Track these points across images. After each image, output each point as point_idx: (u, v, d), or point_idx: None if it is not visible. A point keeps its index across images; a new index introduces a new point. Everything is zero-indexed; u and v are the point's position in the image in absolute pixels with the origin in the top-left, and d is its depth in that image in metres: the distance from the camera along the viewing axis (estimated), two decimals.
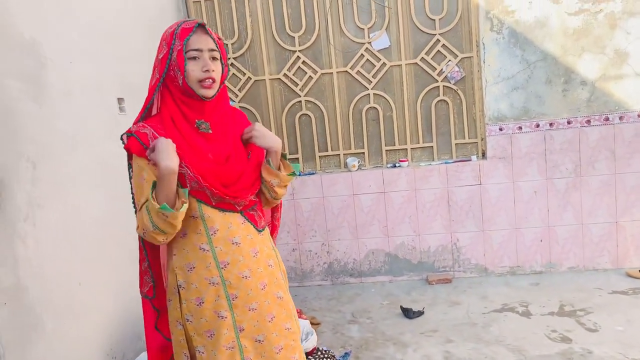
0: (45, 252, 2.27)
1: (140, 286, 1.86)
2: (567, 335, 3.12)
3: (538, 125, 3.95)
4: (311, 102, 4.21)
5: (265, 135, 1.73)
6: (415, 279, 4.25)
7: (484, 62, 3.95)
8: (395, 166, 4.16)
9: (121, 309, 2.87)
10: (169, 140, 1.56)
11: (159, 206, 1.54)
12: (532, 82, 3.93)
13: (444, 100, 4.10)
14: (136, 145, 1.64)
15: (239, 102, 4.27)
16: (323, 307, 3.91)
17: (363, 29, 4.09)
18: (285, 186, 1.82)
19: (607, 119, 3.89)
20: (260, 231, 1.78)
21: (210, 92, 1.65)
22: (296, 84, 4.20)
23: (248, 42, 4.19)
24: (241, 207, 1.73)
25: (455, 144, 4.14)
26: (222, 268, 1.69)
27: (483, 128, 4.06)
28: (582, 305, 3.50)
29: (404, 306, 3.66)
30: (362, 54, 4.11)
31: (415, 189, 4.11)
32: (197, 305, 1.70)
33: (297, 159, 4.29)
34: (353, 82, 4.17)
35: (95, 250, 2.67)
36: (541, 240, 4.09)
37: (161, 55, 1.66)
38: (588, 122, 3.91)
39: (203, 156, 1.65)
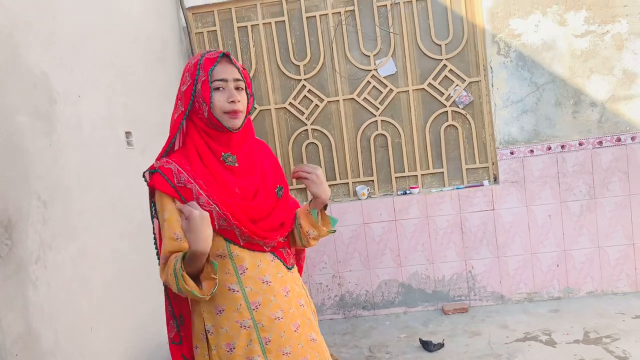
0: (57, 297, 2.14)
1: (167, 331, 1.74)
2: None
3: (549, 148, 3.90)
4: (318, 130, 4.14)
5: (322, 183, 1.68)
6: (431, 309, 4.12)
7: (492, 86, 3.91)
8: (405, 193, 4.07)
9: (134, 353, 2.72)
10: (204, 216, 1.39)
11: (189, 289, 1.43)
12: (542, 104, 3.89)
13: (453, 125, 4.04)
14: (161, 182, 1.54)
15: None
16: (338, 342, 3.76)
17: (369, 55, 4.05)
18: (309, 241, 1.75)
19: (618, 140, 3.85)
20: (289, 269, 1.69)
21: (237, 123, 1.56)
22: (302, 113, 4.13)
23: (252, 72, 4.13)
24: (269, 249, 1.63)
25: (466, 169, 4.07)
26: (254, 309, 1.58)
27: (494, 152, 4.00)
28: (607, 332, 3.39)
29: (423, 339, 3.53)
30: (368, 81, 4.06)
31: (427, 215, 4.02)
32: (228, 351, 1.58)
33: (305, 188, 4.20)
34: (360, 110, 4.11)
35: (106, 293, 2.53)
36: (558, 265, 3.99)
37: (185, 87, 1.58)
38: (600, 143, 3.87)
39: (230, 191, 1.56)
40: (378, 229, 4.05)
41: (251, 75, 4.13)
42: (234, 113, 1.54)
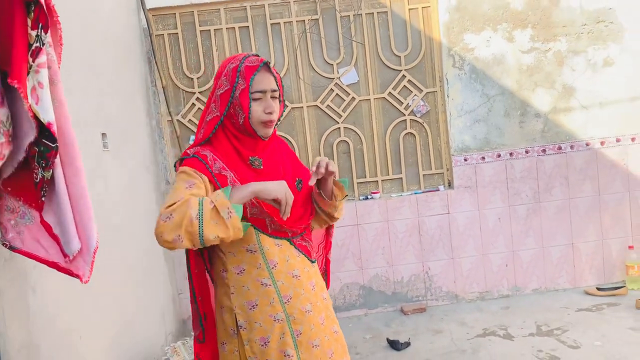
0: (51, 303, 2.04)
1: (193, 328, 1.74)
2: (554, 354, 3.24)
3: (499, 155, 4.18)
4: (282, 136, 4.17)
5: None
6: (390, 310, 4.26)
7: (447, 97, 4.14)
8: (367, 198, 4.19)
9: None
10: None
11: (229, 203, 1.44)
12: (492, 114, 4.16)
13: (411, 133, 4.22)
14: (199, 165, 1.56)
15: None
16: None
17: (332, 64, 4.14)
18: (333, 216, 1.82)
19: (560, 148, 4.20)
20: (313, 262, 1.76)
21: (269, 132, 1.65)
22: None
23: (214, 76, 4.08)
24: (296, 242, 1.70)
25: (423, 174, 4.27)
26: (286, 303, 1.63)
27: (449, 159, 4.23)
28: (556, 325, 3.67)
29: (390, 338, 3.64)
30: (331, 89, 4.16)
31: (388, 220, 4.16)
32: (262, 345, 1.61)
33: None
34: (323, 116, 4.19)
35: (89, 300, 2.42)
36: (507, 265, 4.27)
37: (221, 92, 1.61)
38: (544, 151, 4.20)
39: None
40: (340, 233, 4.14)
41: (212, 80, 4.08)
42: (270, 123, 1.61)
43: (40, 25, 0.92)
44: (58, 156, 1.03)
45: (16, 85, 0.89)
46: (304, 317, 1.64)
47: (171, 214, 1.42)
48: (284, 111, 1.76)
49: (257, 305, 1.61)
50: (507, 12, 4.10)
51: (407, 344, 3.58)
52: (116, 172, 2.98)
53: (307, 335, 1.65)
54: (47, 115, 0.96)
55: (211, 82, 4.10)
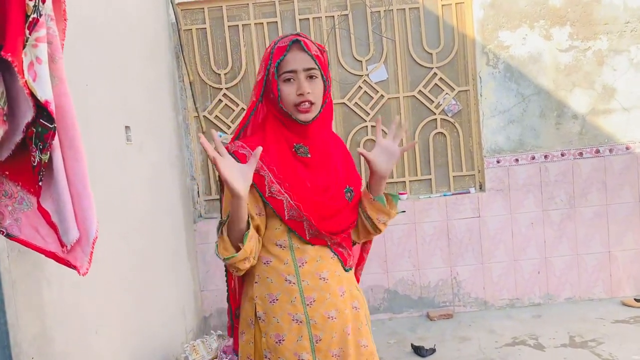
0: (68, 297, 2.00)
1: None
2: None
3: (534, 158, 4.02)
4: None
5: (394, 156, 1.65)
6: (415, 315, 4.13)
7: (480, 96, 4.00)
8: None
9: (134, 357, 2.58)
10: (225, 155, 1.37)
11: (222, 258, 1.43)
12: (527, 115, 4.00)
13: (442, 133, 4.10)
14: None
15: (231, 134, 4.09)
16: None
17: (360, 61, 4.05)
18: (378, 228, 1.67)
19: (597, 152, 4.01)
20: (347, 270, 1.63)
21: (308, 116, 1.50)
22: None
23: (242, 72, 4.05)
24: (333, 244, 1.59)
25: (453, 176, 4.13)
26: (308, 305, 1.53)
27: (481, 160, 4.08)
28: (591, 336, 3.50)
29: (415, 344, 3.53)
30: (359, 86, 4.06)
31: (415, 222, 4.04)
32: (276, 342, 1.53)
33: None
34: (350, 114, 4.10)
35: (106, 294, 2.39)
36: (539, 272, 4.10)
37: (259, 77, 1.54)
38: (580, 154, 4.02)
39: (302, 184, 1.51)
40: None
41: (240, 75, 4.05)
42: (304, 105, 1.48)
43: None
44: (57, 138, 0.98)
45: (10, 59, 0.83)
46: (325, 323, 1.54)
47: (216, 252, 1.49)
48: (327, 92, 1.56)
49: (277, 300, 1.54)
50: (545, 9, 3.94)
51: (433, 351, 3.46)
52: (139, 166, 2.95)
53: (327, 343, 1.54)
54: (45, 93, 0.90)
55: (238, 79, 4.06)
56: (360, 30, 4.04)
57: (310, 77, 1.50)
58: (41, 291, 1.83)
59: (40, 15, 0.89)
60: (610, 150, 4.01)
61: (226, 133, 4.08)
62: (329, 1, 4.02)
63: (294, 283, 1.52)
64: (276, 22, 4.02)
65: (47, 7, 0.92)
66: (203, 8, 4.00)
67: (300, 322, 1.53)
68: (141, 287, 2.82)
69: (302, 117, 1.50)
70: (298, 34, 1.53)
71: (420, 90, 4.07)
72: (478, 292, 4.12)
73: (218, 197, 4.00)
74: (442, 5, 4.02)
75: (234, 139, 1.56)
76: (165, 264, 3.31)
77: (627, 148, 4.00)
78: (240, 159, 1.47)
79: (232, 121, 4.08)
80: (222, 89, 4.06)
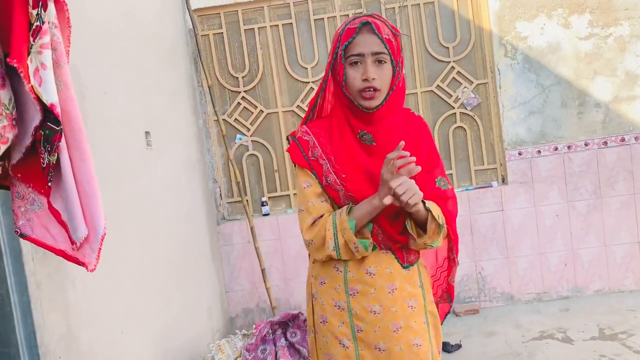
0: (93, 297, 2.06)
1: None
2: None
3: (556, 149, 3.96)
4: None
5: (412, 192, 1.40)
6: None
7: (499, 88, 3.96)
8: None
9: (159, 357, 2.64)
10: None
11: (356, 240, 1.44)
12: (548, 106, 3.95)
13: (462, 127, 4.07)
14: (296, 153, 1.54)
15: (251, 136, 4.14)
16: None
17: None
18: (426, 244, 1.53)
19: (623, 140, 3.93)
20: (405, 267, 1.56)
21: (372, 103, 1.45)
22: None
23: (259, 75, 4.09)
24: (387, 249, 1.55)
25: (475, 170, 4.10)
26: (351, 295, 1.54)
27: (502, 153, 4.04)
28: (621, 328, 3.43)
29: None
30: None
31: None
32: (322, 322, 1.58)
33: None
34: None
35: (134, 295, 2.45)
36: (566, 265, 4.03)
37: (329, 59, 1.52)
38: (605, 143, 3.94)
39: (359, 174, 1.50)
40: None
41: (258, 78, 4.09)
42: (368, 92, 1.43)
43: (40, 4, 0.91)
44: (64, 140, 1.02)
45: (15, 65, 0.88)
46: (367, 316, 1.53)
47: (312, 241, 1.52)
48: (398, 79, 1.49)
49: (325, 283, 1.58)
50: None
51: (459, 346, 3.44)
52: (160, 170, 3.01)
53: (368, 335, 1.53)
54: (50, 97, 0.94)
55: (256, 81, 4.11)
56: None
57: (379, 61, 1.45)
58: (66, 292, 1.89)
59: (43, 22, 0.93)
60: (636, 138, 3.92)
61: (246, 135, 4.13)
62: (343, 0, 4.03)
63: (340, 271, 1.55)
64: (291, 23, 4.05)
65: (51, 15, 0.96)
66: (219, 13, 4.06)
67: (343, 309, 1.55)
68: (167, 289, 2.88)
69: (366, 103, 1.45)
70: (372, 15, 1.48)
71: (438, 85, 4.05)
72: (504, 287, 4.07)
73: (239, 199, 4.06)
74: None
75: (303, 122, 1.59)
76: (190, 265, 3.36)
77: None
78: (303, 145, 1.51)
79: (251, 123, 4.13)
80: (240, 92, 4.11)
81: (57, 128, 0.96)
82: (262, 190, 4.18)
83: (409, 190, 1.37)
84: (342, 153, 1.50)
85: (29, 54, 0.90)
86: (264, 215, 4.11)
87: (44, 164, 0.99)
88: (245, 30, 4.07)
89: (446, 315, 1.85)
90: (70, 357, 1.86)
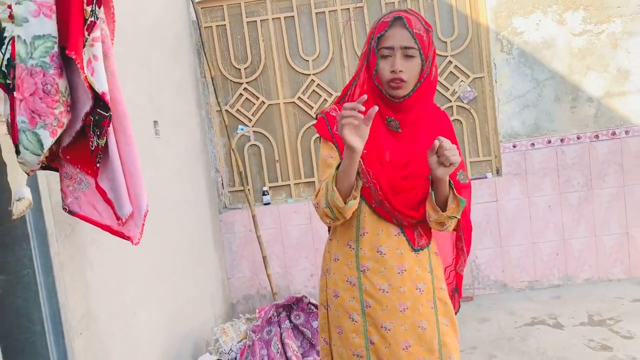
0: (109, 279, 2.16)
1: None
2: (606, 344, 3.16)
3: (549, 142, 4.08)
4: None
5: (455, 151, 1.48)
6: None
7: (495, 82, 4.07)
8: None
9: (168, 340, 2.74)
10: (355, 107, 1.41)
11: (333, 190, 1.50)
12: (542, 100, 4.06)
13: (458, 120, 4.18)
14: (322, 126, 1.65)
15: (253, 127, 4.23)
16: None
17: None
18: (442, 223, 1.59)
19: (614, 134, 4.05)
20: (416, 250, 1.63)
21: (399, 93, 1.55)
22: (311, 107, 4.20)
23: (261, 66, 4.18)
24: (399, 224, 1.62)
25: (470, 162, 4.22)
26: (362, 271, 1.63)
27: (497, 145, 4.16)
28: (609, 315, 3.57)
29: None
30: None
31: None
32: (334, 296, 1.68)
33: (314, 182, 4.26)
34: None
35: (143, 279, 2.54)
36: (557, 254, 4.17)
37: (363, 49, 1.64)
38: (596, 137, 4.07)
39: (379, 153, 1.59)
40: None
41: (260, 70, 4.18)
42: (396, 82, 1.53)
43: (94, 1, 1.00)
44: (111, 125, 1.11)
45: (73, 56, 0.97)
46: (376, 294, 1.61)
47: (317, 204, 1.60)
48: (426, 73, 1.59)
49: (338, 260, 1.68)
50: None
51: None
52: (167, 159, 3.10)
53: (377, 312, 1.60)
54: (102, 86, 1.04)
55: (258, 73, 4.19)
56: None
57: (408, 55, 1.53)
58: (85, 273, 1.98)
59: (98, 18, 1.02)
60: (627, 132, 4.05)
61: (247, 126, 4.22)
62: None
63: (353, 248, 1.64)
64: (293, 16, 4.14)
65: (100, 11, 1.05)
66: (222, 5, 4.14)
67: (353, 285, 1.63)
68: (173, 274, 2.97)
69: (393, 92, 1.55)
70: (405, 11, 1.57)
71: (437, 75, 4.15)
72: (497, 275, 4.20)
73: (241, 188, 4.16)
74: None
75: (336, 103, 1.69)
76: (195, 253, 3.46)
77: None
78: (330, 120, 1.62)
79: (252, 114, 4.22)
80: (242, 83, 4.20)
81: (107, 114, 1.05)
82: (264, 180, 4.28)
83: (454, 149, 1.48)
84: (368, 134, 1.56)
85: (83, 46, 0.99)
86: (265, 204, 4.21)
87: (92, 146, 1.09)
88: (247, 22, 4.15)
89: (456, 312, 1.87)
90: (90, 334, 1.96)
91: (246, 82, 4.20)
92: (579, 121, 4.07)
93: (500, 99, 4.08)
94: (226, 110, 4.18)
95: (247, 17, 4.15)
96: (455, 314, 1.82)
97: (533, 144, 4.09)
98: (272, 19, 4.15)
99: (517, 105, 4.08)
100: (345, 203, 1.51)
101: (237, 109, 4.22)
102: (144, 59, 2.95)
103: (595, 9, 3.99)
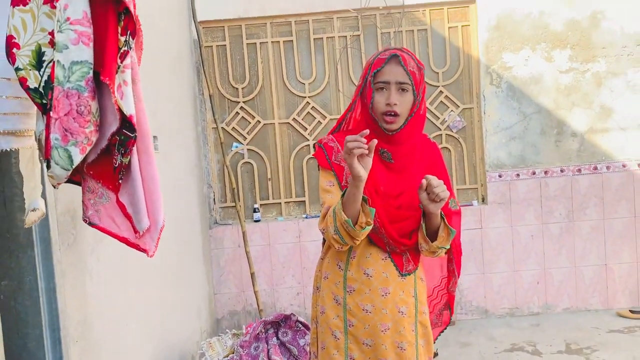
0: (106, 289, 2.21)
1: None
2: None
3: (534, 173, 4.22)
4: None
5: (444, 188, 1.59)
6: None
7: (484, 113, 4.21)
8: None
9: (158, 350, 2.78)
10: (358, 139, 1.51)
11: (345, 218, 1.57)
12: (528, 132, 4.22)
13: (447, 148, 4.31)
14: (321, 156, 1.74)
15: (247, 145, 4.32)
16: None
17: None
18: (434, 252, 1.70)
19: (595, 168, 4.21)
20: (403, 275, 1.73)
21: (392, 126, 1.66)
22: (305, 129, 4.31)
23: (259, 87, 4.29)
24: (391, 251, 1.71)
25: (457, 189, 4.34)
26: (348, 292, 1.73)
27: (483, 174, 4.29)
28: (586, 344, 3.67)
29: None
30: None
31: None
32: (321, 313, 1.78)
33: (304, 202, 4.35)
34: None
35: (136, 291, 2.60)
36: (538, 283, 4.28)
37: (359, 83, 1.76)
38: (579, 170, 4.22)
39: (376, 184, 1.68)
40: None
41: (257, 90, 4.29)
42: (390, 115, 1.64)
43: (128, 32, 1.10)
44: (135, 145, 1.20)
45: (107, 82, 1.06)
46: (359, 313, 1.70)
47: (324, 230, 1.69)
48: (417, 107, 1.70)
49: (327, 278, 1.77)
50: (546, 33, 4.16)
51: (436, 354, 3.58)
52: (165, 174, 3.16)
53: (358, 330, 1.70)
54: (130, 109, 1.13)
55: (255, 93, 4.30)
56: (371, 49, 4.27)
57: (402, 90, 1.65)
58: (84, 282, 2.04)
59: (130, 48, 1.11)
60: (608, 168, 4.21)
61: (242, 144, 4.31)
62: (342, 22, 4.26)
63: (342, 269, 1.74)
64: (292, 40, 4.26)
65: (132, 41, 1.15)
66: (223, 26, 4.25)
67: (339, 303, 1.73)
68: (163, 287, 3.02)
69: (387, 126, 1.66)
70: (400, 49, 1.70)
71: (427, 107, 4.28)
72: (479, 301, 4.30)
73: (232, 204, 4.23)
74: (449, 27, 4.25)
75: (331, 133, 1.80)
76: (185, 266, 3.51)
77: (624, 166, 4.20)
78: (328, 150, 1.72)
79: (248, 132, 4.31)
80: (239, 102, 4.30)
81: (132, 135, 1.14)
82: (255, 197, 4.36)
83: (441, 185, 1.58)
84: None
85: (116, 73, 1.08)
86: (255, 221, 4.28)
87: (115, 164, 1.17)
88: (247, 44, 4.27)
89: (447, 326, 2.09)
90: (86, 341, 2.01)
91: (243, 101, 4.30)
92: (563, 155, 4.23)
93: (488, 129, 4.22)
94: (222, 128, 4.27)
95: (247, 38, 4.26)
96: (446, 328, 2.05)
97: (518, 175, 4.23)
98: (272, 42, 4.27)
99: (504, 137, 4.22)
100: (362, 228, 1.59)
101: (233, 127, 4.31)
102: (148, 76, 3.01)
103: (581, 48, 4.17)
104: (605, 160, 4.22)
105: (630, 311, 4.10)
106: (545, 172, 4.22)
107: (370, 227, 1.61)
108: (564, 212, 4.24)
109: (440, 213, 1.66)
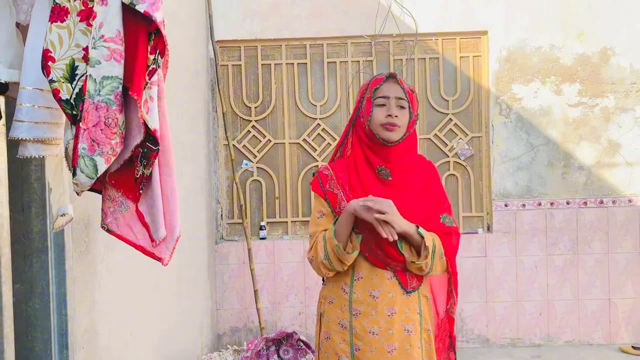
0: (113, 297, 2.25)
1: None
2: None
3: (540, 204, 4.25)
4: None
5: (395, 221, 1.65)
6: None
7: (492, 142, 4.26)
8: None
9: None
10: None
11: (337, 242, 1.65)
12: (535, 163, 4.26)
13: (454, 175, 4.35)
14: (315, 184, 1.80)
15: (257, 163, 4.38)
16: None
17: None
18: (420, 268, 1.71)
19: (601, 202, 4.23)
20: (408, 292, 1.74)
21: (392, 136, 1.70)
22: (315, 150, 4.37)
23: (271, 107, 4.37)
24: (392, 269, 1.74)
25: (463, 216, 4.37)
26: (354, 315, 1.74)
27: (489, 203, 4.32)
28: None
29: None
30: None
31: None
32: (326, 338, 1.79)
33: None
34: None
35: (141, 302, 2.63)
36: (540, 314, 4.27)
37: (356, 103, 1.82)
38: (585, 203, 4.24)
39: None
40: None
41: (269, 110, 4.37)
42: (390, 125, 1.69)
43: (157, 51, 1.16)
44: (157, 157, 1.26)
45: (135, 97, 1.12)
46: (365, 336, 1.71)
47: (311, 259, 1.77)
48: (413, 123, 1.79)
49: (332, 303, 1.79)
50: (556, 66, 4.23)
51: None
52: (177, 188, 3.22)
53: (365, 354, 1.71)
54: (154, 123, 1.19)
55: (267, 112, 4.38)
56: None
57: (401, 106, 1.73)
58: (93, 290, 2.08)
59: (158, 66, 1.18)
60: (614, 202, 4.23)
61: (252, 162, 4.38)
62: (356, 48, 4.35)
63: (347, 292, 1.75)
64: (306, 63, 4.35)
65: (161, 60, 1.21)
66: (240, 46, 4.35)
67: (345, 327, 1.74)
68: (168, 299, 3.06)
69: (387, 135, 1.70)
70: (394, 74, 1.80)
71: (435, 134, 4.35)
72: (481, 329, 4.29)
73: (239, 221, 4.28)
74: (461, 57, 4.33)
75: (331, 160, 1.87)
76: (190, 281, 3.55)
77: (630, 201, 4.22)
78: (322, 178, 1.78)
79: (258, 151, 4.38)
80: (251, 120, 4.37)
81: (155, 148, 1.20)
82: (262, 215, 4.40)
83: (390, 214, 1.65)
84: (358, 184, 1.75)
85: (143, 88, 1.14)
86: (261, 238, 4.32)
87: (137, 175, 1.22)
88: (262, 64, 4.36)
89: None
90: (92, 348, 2.04)
91: (255, 120, 4.37)
92: (569, 187, 4.26)
93: (496, 159, 4.27)
94: (233, 145, 4.34)
95: (262, 59, 4.36)
96: None
97: (524, 205, 4.26)
98: (286, 63, 4.36)
99: (511, 167, 4.26)
100: (349, 253, 1.67)
101: (244, 145, 4.38)
102: (167, 92, 3.11)
103: (590, 83, 4.23)
104: (611, 194, 4.24)
105: (633, 347, 4.08)
106: (551, 204, 4.25)
107: (356, 252, 1.69)
108: (568, 244, 4.25)
109: (419, 231, 1.69)
